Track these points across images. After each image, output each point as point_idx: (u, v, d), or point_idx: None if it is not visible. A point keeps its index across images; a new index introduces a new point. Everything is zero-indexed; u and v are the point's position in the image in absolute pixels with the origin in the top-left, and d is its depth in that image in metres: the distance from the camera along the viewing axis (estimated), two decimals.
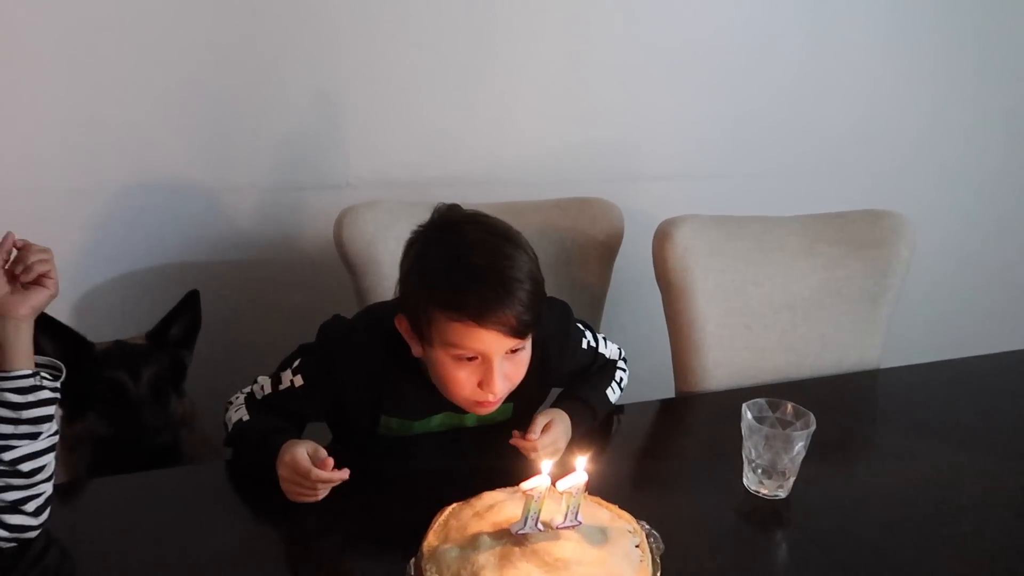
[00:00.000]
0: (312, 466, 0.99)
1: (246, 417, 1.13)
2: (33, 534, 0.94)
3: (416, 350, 1.09)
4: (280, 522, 1.03)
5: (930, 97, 2.10)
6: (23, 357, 0.91)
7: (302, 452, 1.01)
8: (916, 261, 1.60)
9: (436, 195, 1.58)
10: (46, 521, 0.94)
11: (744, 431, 1.11)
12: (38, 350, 1.11)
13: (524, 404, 1.20)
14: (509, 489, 0.96)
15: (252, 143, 1.59)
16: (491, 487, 0.97)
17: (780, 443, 1.07)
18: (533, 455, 1.10)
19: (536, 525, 0.87)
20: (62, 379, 0.96)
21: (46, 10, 1.40)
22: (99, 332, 1.56)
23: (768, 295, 1.51)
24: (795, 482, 1.10)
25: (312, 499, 1.02)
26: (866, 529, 1.04)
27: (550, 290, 1.56)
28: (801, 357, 1.53)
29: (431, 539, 0.89)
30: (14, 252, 0.93)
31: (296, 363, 1.14)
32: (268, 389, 1.15)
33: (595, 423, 1.23)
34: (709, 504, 1.10)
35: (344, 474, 1.00)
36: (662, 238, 1.45)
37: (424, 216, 1.53)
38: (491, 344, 1.01)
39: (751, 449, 1.10)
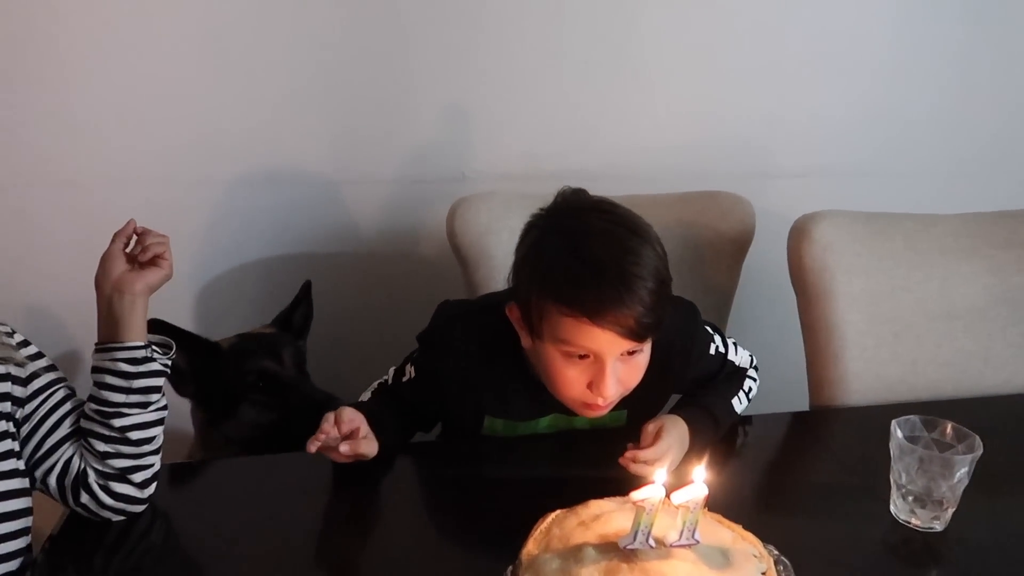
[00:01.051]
0: (334, 422, 0.98)
1: (365, 397, 1.12)
2: (139, 508, 0.95)
3: (526, 342, 1.02)
4: (375, 518, 0.99)
5: None
6: (136, 330, 0.94)
7: (338, 411, 1.00)
8: None
9: (554, 189, 1.54)
10: (152, 496, 0.96)
11: (893, 452, 0.97)
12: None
13: (640, 411, 1.10)
14: (619, 499, 0.87)
15: (373, 136, 1.59)
16: (600, 496, 0.89)
17: (937, 468, 0.92)
18: (640, 469, 0.99)
19: (647, 541, 0.77)
20: (172, 355, 0.99)
21: (180, 7, 1.44)
22: (217, 318, 1.61)
23: (922, 302, 1.34)
24: (954, 514, 0.95)
25: (337, 457, 0.99)
26: None
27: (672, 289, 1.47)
28: (959, 373, 1.35)
29: (531, 547, 0.81)
30: (134, 237, 0.98)
31: (415, 353, 1.11)
32: (391, 379, 1.14)
33: (717, 435, 1.12)
34: (849, 532, 0.96)
35: (334, 432, 0.97)
36: (799, 234, 1.31)
37: (539, 207, 1.48)
38: (605, 344, 0.94)
39: (901, 473, 0.96)
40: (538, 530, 0.84)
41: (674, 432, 1.04)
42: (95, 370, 0.94)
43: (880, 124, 1.78)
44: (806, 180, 1.77)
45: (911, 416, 0.99)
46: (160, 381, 0.96)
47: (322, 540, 0.94)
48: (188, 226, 1.55)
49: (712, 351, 1.16)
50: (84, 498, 0.92)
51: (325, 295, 1.64)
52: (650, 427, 1.04)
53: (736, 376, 1.19)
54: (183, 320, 1.56)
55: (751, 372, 1.21)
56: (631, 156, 1.71)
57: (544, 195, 1.51)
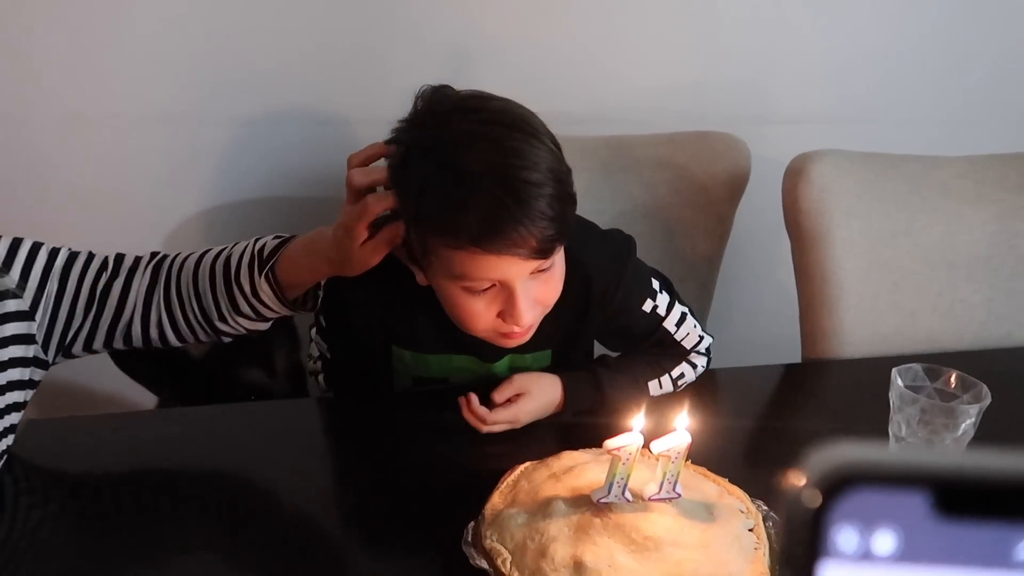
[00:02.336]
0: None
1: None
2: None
3: (420, 279, 0.87)
4: (332, 468, 0.92)
5: None
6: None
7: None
8: None
9: None
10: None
11: (893, 401, 0.89)
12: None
13: (564, 352, 1.00)
14: (595, 450, 0.80)
15: (363, 78, 1.49)
16: (575, 447, 0.82)
17: (941, 419, 0.85)
18: (480, 426, 0.91)
19: (623, 494, 0.70)
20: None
21: None
22: None
23: (924, 249, 1.26)
24: None
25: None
26: None
27: (658, 236, 1.39)
28: (962, 325, 1.28)
29: (496, 501, 0.74)
30: None
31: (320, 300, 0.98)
32: (323, 343, 1.04)
33: (600, 407, 0.97)
34: None
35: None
36: (795, 174, 1.23)
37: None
38: (508, 270, 0.79)
39: (901, 425, 0.89)
40: (505, 483, 0.77)
41: (532, 404, 0.93)
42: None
43: (883, 66, 1.68)
44: (804, 125, 1.67)
45: (912, 364, 0.92)
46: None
47: (276, 492, 0.87)
48: (193, 166, 1.47)
49: (647, 309, 0.98)
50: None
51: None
52: (516, 383, 0.93)
53: (671, 353, 1.02)
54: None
55: (694, 357, 1.04)
56: (620, 97, 1.62)
57: None
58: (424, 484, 0.87)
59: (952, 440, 0.86)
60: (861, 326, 1.25)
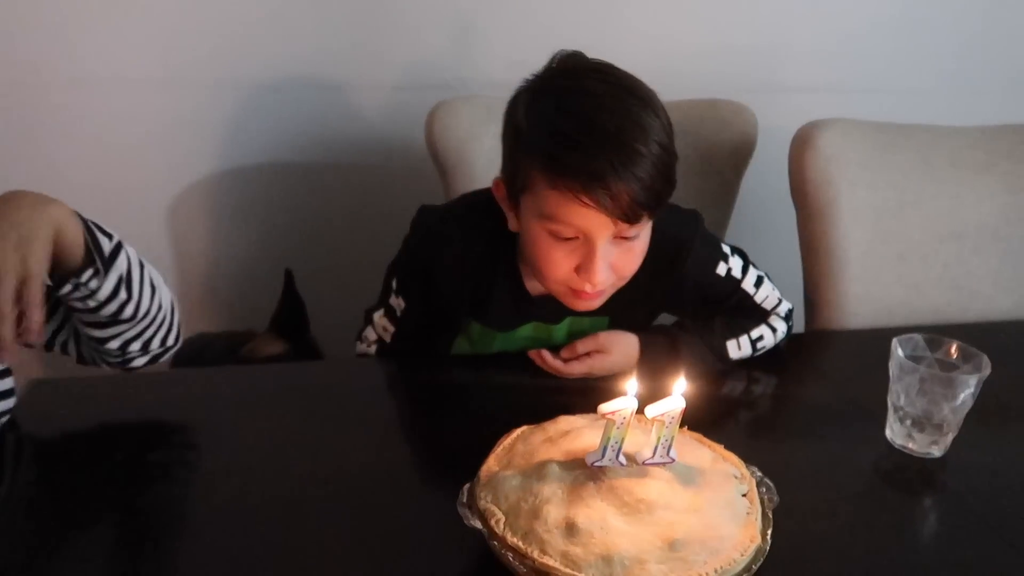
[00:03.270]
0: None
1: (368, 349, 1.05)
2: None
3: (512, 224, 0.92)
4: (332, 431, 0.93)
5: None
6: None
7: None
8: None
9: None
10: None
11: (893, 371, 0.89)
12: None
13: (624, 321, 1.02)
14: (591, 415, 0.80)
15: (354, 42, 1.48)
16: (571, 411, 0.82)
17: (940, 389, 0.85)
18: (560, 371, 0.97)
19: (617, 458, 0.71)
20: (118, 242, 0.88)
21: None
22: (186, 230, 1.53)
23: (931, 220, 1.25)
24: (955, 441, 0.88)
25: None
26: None
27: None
28: (968, 298, 1.27)
29: (491, 463, 0.75)
30: None
31: (395, 284, 1.02)
32: (391, 327, 1.04)
33: (673, 369, 0.97)
34: (840, 456, 0.90)
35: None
36: (803, 143, 1.22)
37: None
38: (595, 223, 0.83)
39: (899, 394, 0.88)
40: (501, 446, 0.77)
41: (614, 358, 0.98)
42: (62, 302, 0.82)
43: (893, 35, 1.65)
44: (812, 94, 1.65)
45: (913, 334, 0.92)
46: (122, 264, 0.79)
47: (275, 453, 0.88)
48: (169, 130, 1.46)
49: (721, 272, 1.01)
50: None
51: (300, 207, 1.57)
52: (592, 340, 0.98)
53: (751, 314, 1.05)
54: (154, 226, 1.50)
55: (774, 320, 1.05)
56: (626, 64, 1.58)
57: None
58: (421, 446, 0.88)
59: (950, 410, 0.85)
60: (866, 298, 1.24)
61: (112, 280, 0.78)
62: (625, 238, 0.86)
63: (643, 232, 0.87)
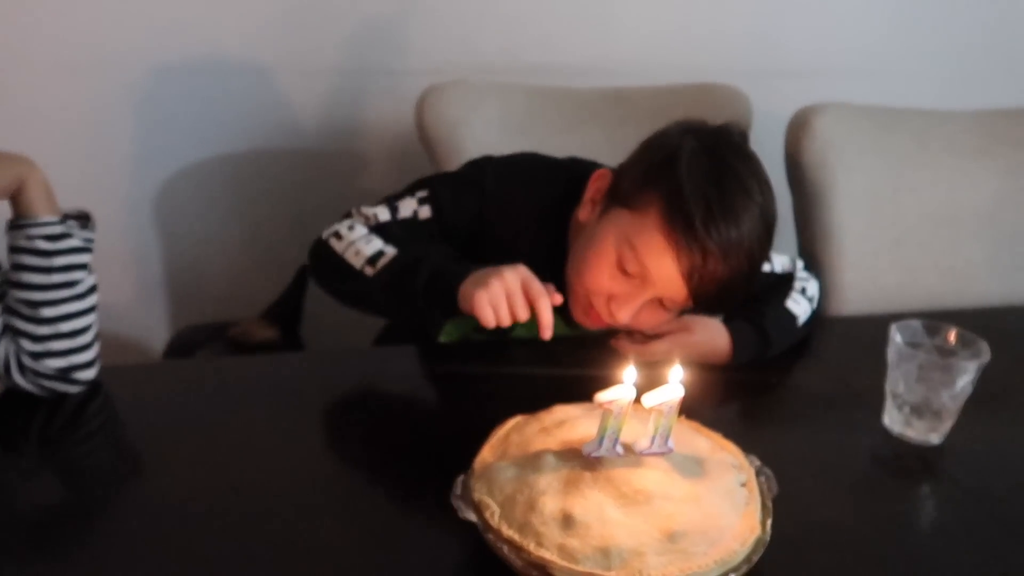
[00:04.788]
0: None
1: (389, 251, 0.91)
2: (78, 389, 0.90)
3: (585, 214, 0.93)
4: (324, 420, 0.91)
5: None
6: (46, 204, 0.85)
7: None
8: None
9: (535, 82, 1.41)
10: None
11: (891, 358, 0.88)
12: None
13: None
14: (587, 405, 0.79)
15: (341, 23, 1.45)
16: (567, 401, 0.81)
17: (939, 375, 0.84)
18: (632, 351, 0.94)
19: (614, 448, 0.69)
20: (92, 227, 0.90)
21: None
22: (170, 216, 1.51)
23: (927, 205, 1.24)
24: (953, 427, 0.87)
25: (499, 319, 0.84)
26: None
27: None
28: (963, 283, 1.26)
29: (485, 454, 0.73)
30: None
31: (422, 193, 0.97)
32: (385, 216, 0.97)
33: (766, 353, 1.00)
34: (838, 444, 0.89)
35: (558, 298, 0.86)
36: (799, 127, 1.20)
37: (518, 99, 1.35)
38: (664, 277, 0.87)
39: (898, 381, 0.88)
40: (495, 436, 0.76)
41: (699, 337, 0.96)
42: (11, 250, 0.84)
43: (889, 19, 1.64)
44: (808, 79, 1.63)
45: (911, 320, 0.91)
46: (85, 258, 0.87)
47: (265, 445, 0.86)
48: (177, 115, 1.44)
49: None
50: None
51: (289, 194, 1.55)
52: (674, 322, 0.96)
53: (779, 284, 1.07)
54: (118, 217, 1.47)
55: (800, 274, 1.09)
56: (620, 49, 1.58)
57: (522, 84, 1.40)
58: (414, 437, 0.87)
59: (949, 397, 0.85)
60: (861, 283, 1.23)
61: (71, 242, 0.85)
62: (665, 307, 0.89)
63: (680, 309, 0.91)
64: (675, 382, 0.70)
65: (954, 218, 1.24)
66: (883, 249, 1.23)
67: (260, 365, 1.03)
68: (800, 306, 1.05)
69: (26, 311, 0.84)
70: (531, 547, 0.63)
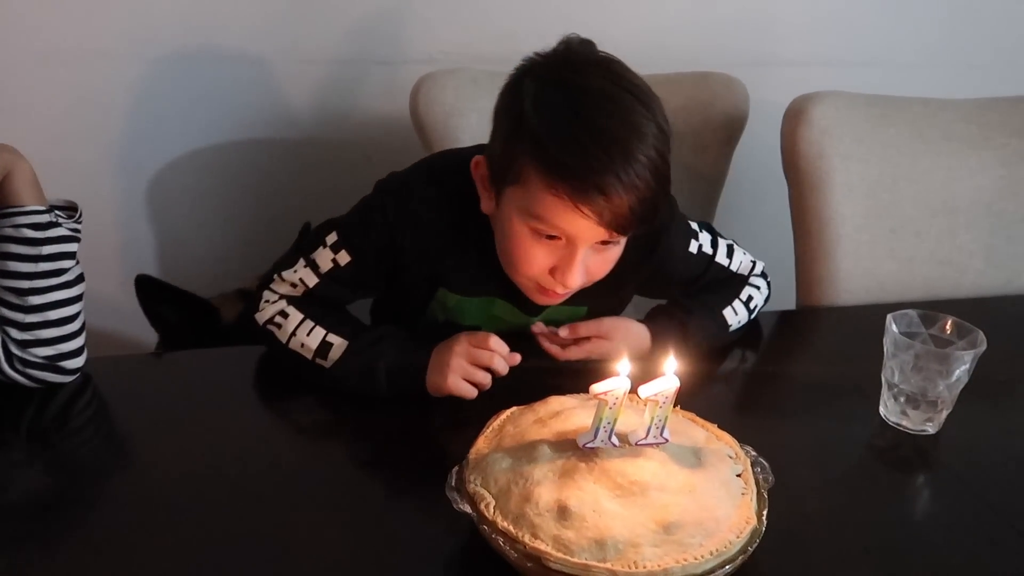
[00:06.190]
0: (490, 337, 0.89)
1: (335, 340, 0.90)
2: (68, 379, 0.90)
3: (486, 205, 0.88)
4: (319, 411, 0.91)
5: None
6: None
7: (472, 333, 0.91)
8: None
9: None
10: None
11: (887, 348, 0.88)
12: (160, 320, 1.19)
13: (600, 310, 0.99)
14: (582, 396, 0.78)
15: (338, 12, 1.44)
16: (562, 392, 0.80)
17: (935, 365, 0.84)
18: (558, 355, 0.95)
19: (610, 438, 0.69)
20: (79, 218, 0.89)
21: None
22: (163, 206, 1.50)
23: (924, 194, 1.23)
24: (949, 417, 0.87)
25: (479, 387, 0.88)
26: None
27: None
28: (959, 273, 1.26)
29: (480, 445, 0.73)
30: None
31: (332, 239, 0.94)
32: (312, 279, 0.94)
33: (691, 346, 0.98)
34: (834, 434, 0.89)
35: (516, 358, 0.89)
36: (795, 116, 1.20)
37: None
38: (583, 229, 0.81)
39: (894, 371, 0.87)
40: (490, 427, 0.76)
41: (618, 347, 0.93)
42: None
43: (887, 8, 1.63)
44: (806, 68, 1.62)
45: (908, 310, 0.90)
46: (72, 247, 0.87)
47: (259, 437, 0.86)
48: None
49: (693, 250, 1.01)
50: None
51: (283, 183, 1.53)
52: (596, 324, 0.96)
53: (731, 283, 1.05)
54: (110, 208, 1.47)
55: (754, 280, 1.06)
56: (618, 38, 1.54)
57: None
58: (409, 428, 0.86)
59: (945, 386, 0.84)
60: (858, 273, 1.23)
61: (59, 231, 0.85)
62: (605, 243, 0.84)
63: (623, 240, 0.85)
64: (670, 373, 0.69)
65: (951, 207, 1.24)
66: (880, 239, 1.23)
67: (251, 356, 1.02)
68: (737, 315, 1.03)
69: (13, 299, 0.84)
70: (526, 539, 0.63)
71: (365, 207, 0.96)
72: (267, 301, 0.96)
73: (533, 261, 0.85)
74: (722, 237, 1.05)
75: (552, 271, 0.85)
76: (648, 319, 1.00)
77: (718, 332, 1.02)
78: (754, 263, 1.07)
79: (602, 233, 0.81)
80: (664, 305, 1.04)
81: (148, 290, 1.19)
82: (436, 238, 0.93)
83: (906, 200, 1.23)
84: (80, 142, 1.41)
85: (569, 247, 0.83)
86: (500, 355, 0.88)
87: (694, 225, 1.02)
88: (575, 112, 0.78)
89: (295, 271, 0.95)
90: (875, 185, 1.21)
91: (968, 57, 1.68)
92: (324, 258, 0.94)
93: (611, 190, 0.77)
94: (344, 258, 0.93)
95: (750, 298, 1.05)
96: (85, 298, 0.90)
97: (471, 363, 0.88)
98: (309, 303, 0.95)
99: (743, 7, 1.58)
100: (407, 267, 0.95)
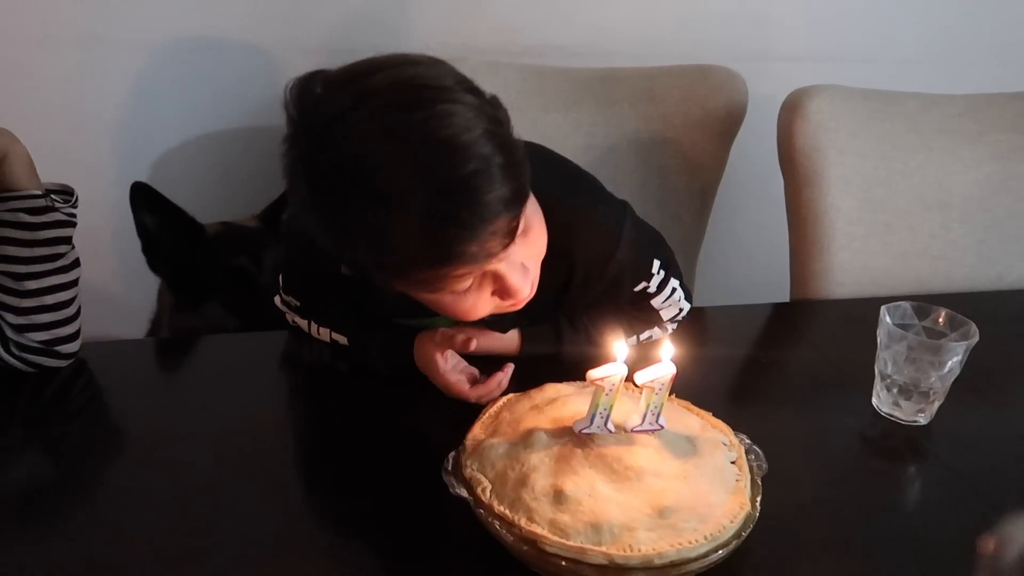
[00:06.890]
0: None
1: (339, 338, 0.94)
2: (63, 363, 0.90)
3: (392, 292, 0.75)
4: (316, 397, 0.91)
5: None
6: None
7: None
8: None
9: (531, 64, 1.40)
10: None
11: (881, 339, 0.89)
12: (140, 227, 1.17)
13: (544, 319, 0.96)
14: (579, 383, 0.79)
15: (335, 2, 1.43)
16: (558, 379, 0.81)
17: (928, 356, 0.85)
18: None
19: (606, 425, 0.70)
20: (74, 202, 0.89)
21: None
22: (182, 195, 1.50)
23: (918, 188, 1.24)
24: (941, 408, 0.88)
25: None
26: None
27: (652, 170, 1.35)
28: (952, 267, 1.27)
29: (477, 431, 0.74)
30: None
31: (284, 284, 0.97)
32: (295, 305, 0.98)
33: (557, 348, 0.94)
34: (827, 424, 0.90)
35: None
36: (792, 110, 1.20)
37: (511, 78, 1.34)
38: (485, 265, 0.69)
39: (887, 362, 0.88)
40: (487, 414, 0.76)
41: (491, 341, 0.92)
42: None
43: (884, 4, 1.63)
44: (804, 63, 1.62)
45: (901, 302, 0.91)
46: (68, 231, 0.87)
47: (255, 422, 0.86)
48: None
49: (638, 289, 0.92)
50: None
51: (272, 175, 1.52)
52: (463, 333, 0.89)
53: (646, 319, 0.97)
54: (107, 194, 1.46)
55: (667, 324, 0.99)
56: (616, 31, 1.57)
57: (517, 64, 1.39)
58: (406, 414, 0.87)
59: (937, 378, 0.85)
60: (852, 267, 1.24)
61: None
62: (509, 244, 0.70)
63: (530, 212, 0.72)
64: (667, 360, 0.70)
65: (945, 202, 1.24)
66: (874, 233, 1.23)
67: (246, 342, 1.03)
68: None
69: (10, 284, 0.84)
70: (522, 522, 0.63)
71: (289, 251, 0.97)
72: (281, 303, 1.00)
73: (477, 308, 0.74)
74: (674, 277, 0.95)
75: (498, 294, 0.74)
76: (526, 330, 0.95)
77: (590, 348, 0.93)
78: (681, 311, 0.98)
79: (505, 246, 0.68)
80: (556, 323, 0.96)
81: (140, 198, 1.18)
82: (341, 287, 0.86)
83: (900, 194, 1.23)
84: (77, 128, 1.40)
85: (499, 273, 0.71)
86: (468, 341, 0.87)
87: (656, 265, 0.92)
88: (362, 192, 0.63)
89: (287, 300, 0.98)
90: (870, 179, 1.22)
91: (964, 54, 1.68)
92: (287, 297, 0.98)
93: (482, 236, 0.64)
94: (295, 300, 0.97)
95: (649, 337, 0.99)
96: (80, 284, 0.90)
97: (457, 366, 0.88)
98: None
99: (743, 1, 1.58)
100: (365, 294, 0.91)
